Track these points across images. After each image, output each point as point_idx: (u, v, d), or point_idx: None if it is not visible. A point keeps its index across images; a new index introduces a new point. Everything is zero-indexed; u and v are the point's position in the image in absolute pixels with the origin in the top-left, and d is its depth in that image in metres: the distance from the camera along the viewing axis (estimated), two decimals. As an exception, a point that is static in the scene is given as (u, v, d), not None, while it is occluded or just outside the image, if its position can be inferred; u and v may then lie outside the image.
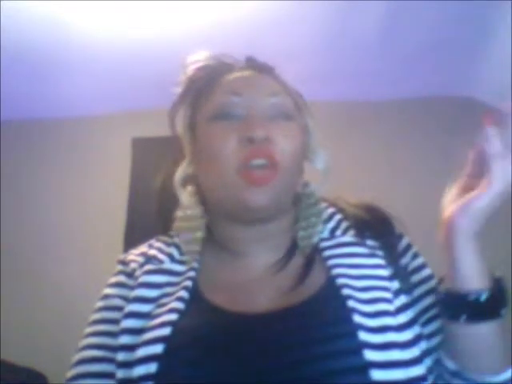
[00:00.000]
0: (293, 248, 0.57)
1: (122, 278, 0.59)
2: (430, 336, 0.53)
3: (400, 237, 0.60)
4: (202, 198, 0.60)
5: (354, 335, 0.45)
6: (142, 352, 0.48)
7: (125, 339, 0.52)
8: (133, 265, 0.60)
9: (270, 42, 1.95)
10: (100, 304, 0.58)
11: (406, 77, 2.20)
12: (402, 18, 1.87)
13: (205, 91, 0.60)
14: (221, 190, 0.55)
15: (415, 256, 0.59)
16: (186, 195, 0.60)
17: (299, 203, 0.60)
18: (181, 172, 0.61)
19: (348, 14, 1.85)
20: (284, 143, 0.54)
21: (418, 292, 0.55)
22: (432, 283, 0.56)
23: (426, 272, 0.58)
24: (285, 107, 0.57)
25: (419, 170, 2.21)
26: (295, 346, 0.46)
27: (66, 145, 2.43)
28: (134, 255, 0.62)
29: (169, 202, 0.62)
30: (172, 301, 0.52)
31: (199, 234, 0.58)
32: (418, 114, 2.33)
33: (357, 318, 0.46)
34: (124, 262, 0.61)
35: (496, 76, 2.08)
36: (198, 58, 0.64)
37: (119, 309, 0.55)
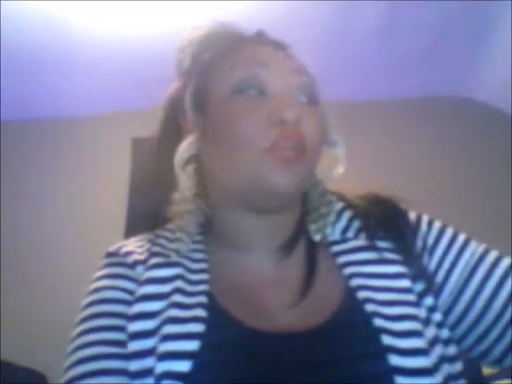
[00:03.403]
0: (296, 236, 0.53)
1: (119, 270, 0.52)
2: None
3: (417, 225, 0.54)
4: (204, 184, 0.54)
5: (383, 357, 0.42)
6: (164, 367, 0.42)
7: (136, 345, 0.45)
8: (135, 256, 0.52)
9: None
10: (93, 298, 0.50)
11: (405, 77, 2.20)
12: (401, 18, 1.87)
13: (219, 61, 0.53)
14: (240, 172, 0.48)
15: (441, 236, 0.53)
16: (185, 177, 0.53)
17: (307, 195, 0.56)
18: (185, 151, 0.53)
19: (348, 14, 1.85)
20: (311, 127, 0.50)
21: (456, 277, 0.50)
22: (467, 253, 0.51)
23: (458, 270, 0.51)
24: (311, 89, 0.53)
25: (419, 170, 2.21)
26: (323, 367, 0.42)
27: (65, 145, 2.43)
28: (133, 247, 0.55)
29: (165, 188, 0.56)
30: (192, 305, 0.46)
31: (194, 220, 0.53)
32: (418, 113, 2.32)
33: (385, 339, 0.43)
34: (117, 254, 0.54)
35: (496, 76, 2.08)
36: (201, 25, 0.57)
37: (118, 301, 0.49)
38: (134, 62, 2.06)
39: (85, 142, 2.42)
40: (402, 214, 0.55)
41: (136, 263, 0.52)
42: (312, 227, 0.53)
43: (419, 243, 0.53)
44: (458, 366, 0.47)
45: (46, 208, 2.32)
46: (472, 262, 0.51)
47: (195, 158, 0.54)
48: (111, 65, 2.08)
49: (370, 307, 0.45)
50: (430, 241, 0.53)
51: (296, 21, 1.88)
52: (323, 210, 0.54)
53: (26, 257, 2.20)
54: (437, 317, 0.48)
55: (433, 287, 0.50)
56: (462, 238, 0.54)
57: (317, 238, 0.52)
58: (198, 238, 0.54)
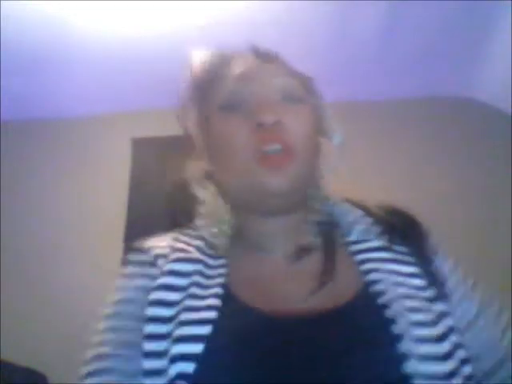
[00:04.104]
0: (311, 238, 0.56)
1: (139, 269, 0.56)
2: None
3: (432, 245, 0.58)
4: (223, 195, 0.58)
5: (393, 345, 0.44)
6: (178, 349, 0.45)
7: (152, 328, 0.48)
8: (157, 250, 0.56)
9: (269, 41, 1.95)
10: (115, 297, 0.55)
11: (405, 77, 2.20)
12: (401, 18, 1.87)
13: (211, 84, 0.59)
14: (239, 181, 0.54)
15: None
16: (205, 192, 0.59)
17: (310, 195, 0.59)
18: (197, 169, 0.60)
19: (348, 14, 1.85)
20: (295, 126, 0.53)
21: (460, 309, 0.54)
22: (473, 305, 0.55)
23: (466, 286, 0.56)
24: (292, 89, 0.56)
25: (419, 170, 2.21)
26: (333, 352, 0.44)
27: (65, 145, 2.43)
28: (156, 242, 0.58)
29: (184, 201, 0.61)
30: (207, 296, 0.49)
31: (226, 228, 0.57)
32: (418, 114, 2.32)
33: (397, 328, 0.45)
34: (140, 250, 0.58)
35: (496, 76, 2.08)
36: (199, 56, 0.64)
37: (136, 302, 0.52)
38: (133, 62, 2.06)
39: (85, 142, 2.42)
40: (419, 225, 0.58)
41: (157, 257, 0.55)
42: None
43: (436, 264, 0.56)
44: (467, 369, 0.48)
45: (46, 208, 2.32)
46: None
47: (211, 176, 0.59)
48: (111, 65, 2.08)
49: (384, 298, 0.48)
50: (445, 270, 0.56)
51: (296, 21, 1.88)
52: (317, 205, 0.57)
53: (26, 257, 2.20)
54: (449, 322, 0.50)
55: (444, 295, 0.52)
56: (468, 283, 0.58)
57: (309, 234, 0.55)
58: (225, 236, 0.58)
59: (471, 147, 2.23)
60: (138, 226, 2.39)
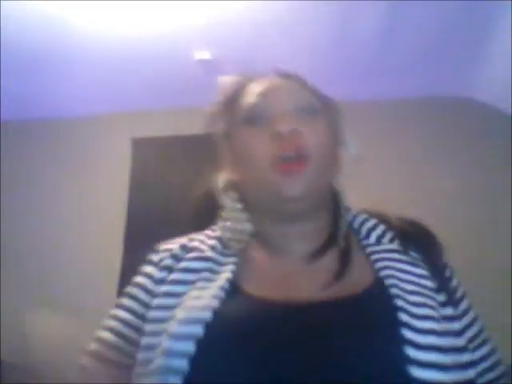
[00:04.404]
0: (330, 240, 0.60)
1: (149, 269, 0.61)
2: (476, 362, 0.54)
3: (444, 258, 0.61)
4: (244, 202, 0.63)
5: (398, 333, 0.46)
6: (180, 329, 0.49)
7: (155, 313, 0.54)
8: (162, 255, 0.61)
9: (270, 41, 1.95)
10: (126, 290, 0.60)
11: (405, 77, 2.20)
12: (401, 18, 1.87)
13: (235, 100, 0.64)
14: (258, 188, 0.58)
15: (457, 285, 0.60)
16: (227, 199, 0.64)
17: (340, 209, 0.63)
18: (223, 179, 0.65)
19: (348, 14, 1.85)
20: (311, 135, 0.57)
21: (465, 321, 0.56)
22: (472, 314, 0.57)
23: (468, 302, 0.59)
24: (309, 102, 0.61)
25: (419, 170, 2.21)
26: (334, 336, 0.46)
27: (65, 145, 2.43)
28: (170, 245, 0.63)
29: (210, 208, 0.66)
30: (213, 288, 0.53)
31: (248, 226, 0.61)
32: (418, 113, 2.33)
33: (403, 317, 0.48)
34: (155, 251, 0.63)
35: (496, 76, 2.08)
36: (229, 76, 0.69)
37: (137, 299, 0.58)
38: (133, 62, 2.06)
39: (85, 141, 2.42)
40: (433, 236, 0.61)
41: (161, 260, 0.61)
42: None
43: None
44: (470, 373, 0.50)
45: (45, 207, 2.32)
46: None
47: (235, 185, 0.64)
48: (111, 65, 2.09)
49: (394, 291, 0.51)
50: (459, 294, 0.59)
51: (296, 21, 1.88)
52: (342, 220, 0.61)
53: (25, 256, 2.20)
54: (455, 326, 0.53)
55: (454, 300, 0.56)
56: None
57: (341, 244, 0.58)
58: (244, 234, 0.62)
59: (471, 147, 2.23)
60: (138, 226, 2.39)
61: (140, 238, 2.20)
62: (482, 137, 2.23)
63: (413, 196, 1.99)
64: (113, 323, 0.56)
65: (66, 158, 2.41)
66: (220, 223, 0.64)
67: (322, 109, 0.62)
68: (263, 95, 0.61)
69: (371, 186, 1.75)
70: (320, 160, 0.57)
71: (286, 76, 0.65)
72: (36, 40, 1.91)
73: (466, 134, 2.26)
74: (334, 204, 0.63)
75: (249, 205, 0.62)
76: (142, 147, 2.39)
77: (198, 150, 1.79)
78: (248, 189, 0.61)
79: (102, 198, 2.28)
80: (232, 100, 0.65)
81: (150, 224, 2.21)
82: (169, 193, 2.26)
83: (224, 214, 0.64)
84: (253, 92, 0.62)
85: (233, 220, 0.63)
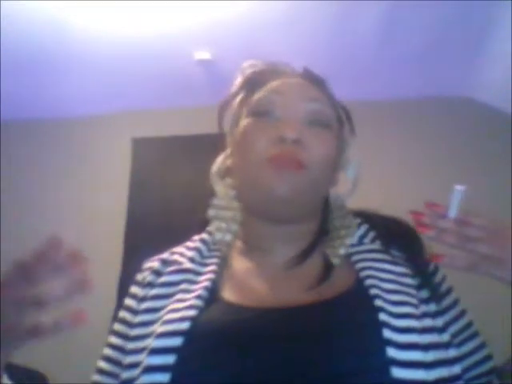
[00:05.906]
0: (314, 244, 0.59)
1: (134, 289, 0.61)
2: (462, 357, 0.53)
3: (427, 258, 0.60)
4: (237, 192, 0.62)
5: (378, 333, 0.46)
6: (159, 343, 0.49)
7: (137, 331, 0.54)
8: (145, 273, 0.61)
9: (269, 41, 1.95)
10: (120, 315, 0.59)
11: (405, 77, 2.20)
12: (401, 18, 1.87)
13: (253, 91, 0.63)
14: (250, 180, 0.57)
15: (443, 280, 0.59)
16: (222, 187, 0.63)
17: (330, 214, 0.63)
18: (219, 163, 0.65)
19: (348, 14, 1.85)
20: (315, 148, 0.56)
21: (449, 316, 0.55)
22: (457, 309, 0.57)
23: (454, 296, 0.58)
24: (323, 115, 0.59)
25: (419, 170, 2.21)
26: (313, 339, 0.46)
27: (65, 145, 2.43)
28: (151, 262, 0.63)
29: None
30: (191, 298, 0.53)
31: (234, 227, 0.61)
32: (418, 114, 2.33)
33: (382, 316, 0.47)
34: (141, 270, 0.63)
35: (496, 76, 2.09)
36: (255, 63, 0.67)
37: (126, 322, 0.58)
38: (133, 62, 2.06)
39: (85, 141, 2.42)
40: (413, 231, 0.59)
41: (144, 278, 0.60)
42: (328, 250, 0.58)
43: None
44: (456, 369, 0.49)
45: (45, 207, 2.32)
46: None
47: (231, 172, 0.63)
48: (111, 65, 2.09)
49: (374, 291, 0.50)
50: (443, 288, 0.58)
51: (296, 21, 1.88)
52: (343, 232, 0.60)
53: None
54: (439, 322, 0.52)
55: (437, 296, 0.55)
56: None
57: (333, 258, 0.57)
58: (230, 234, 0.62)
59: (471, 147, 2.23)
60: (138, 226, 2.39)
61: (140, 237, 2.20)
62: (481, 137, 2.23)
63: (412, 196, 1.99)
64: (107, 351, 0.57)
65: (66, 158, 2.41)
66: (212, 212, 0.63)
67: (335, 124, 0.61)
68: (280, 93, 0.59)
69: (371, 186, 1.75)
70: (317, 174, 0.56)
71: (312, 80, 0.63)
72: (36, 40, 1.91)
73: (466, 134, 2.26)
74: (324, 208, 0.62)
75: (239, 196, 0.62)
76: (142, 147, 2.39)
77: (198, 150, 1.79)
78: (239, 179, 0.61)
79: (102, 198, 2.28)
80: (250, 90, 0.63)
81: (149, 224, 2.22)
82: (169, 193, 2.26)
83: (216, 200, 0.63)
84: (271, 85, 0.61)
85: (223, 208, 0.62)
